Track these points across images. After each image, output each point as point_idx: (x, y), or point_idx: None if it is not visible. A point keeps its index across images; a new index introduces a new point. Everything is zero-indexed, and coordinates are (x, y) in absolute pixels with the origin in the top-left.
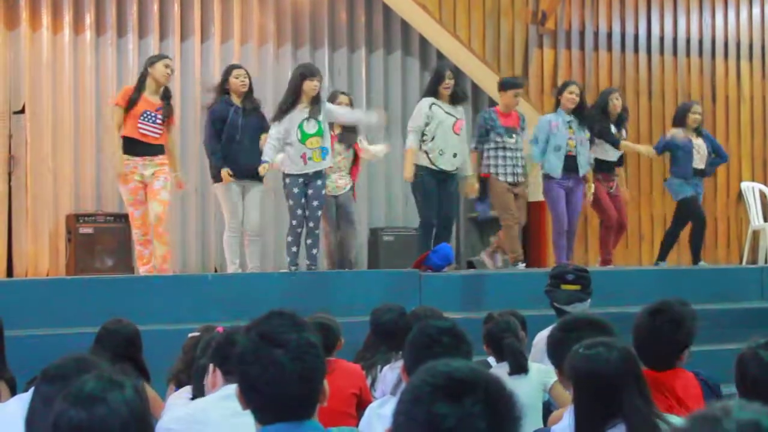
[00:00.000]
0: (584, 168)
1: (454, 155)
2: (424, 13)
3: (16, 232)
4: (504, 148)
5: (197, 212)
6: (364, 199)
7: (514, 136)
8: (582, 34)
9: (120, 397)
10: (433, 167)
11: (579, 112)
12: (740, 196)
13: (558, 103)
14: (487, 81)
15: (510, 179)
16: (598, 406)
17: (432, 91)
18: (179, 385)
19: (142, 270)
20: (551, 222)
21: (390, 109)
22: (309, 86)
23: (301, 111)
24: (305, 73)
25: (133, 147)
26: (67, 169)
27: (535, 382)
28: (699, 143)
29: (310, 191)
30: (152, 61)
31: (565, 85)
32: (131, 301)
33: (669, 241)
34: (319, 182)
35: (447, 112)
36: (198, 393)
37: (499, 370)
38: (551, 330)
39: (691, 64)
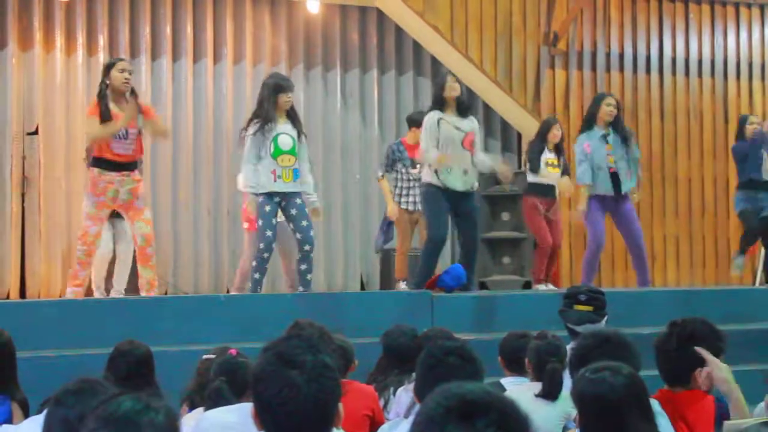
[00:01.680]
0: (626, 185)
1: (465, 172)
2: (435, 34)
3: (29, 253)
4: (409, 179)
5: (210, 234)
6: (377, 220)
7: (417, 167)
8: (594, 54)
9: (152, 422)
10: (440, 185)
11: (616, 124)
12: None
13: (592, 119)
14: (499, 102)
15: (411, 207)
16: (603, 430)
17: (437, 101)
18: (192, 407)
19: (69, 291)
20: (587, 242)
21: (401, 130)
22: (283, 100)
23: (278, 125)
24: (282, 86)
25: (105, 163)
26: (80, 190)
27: (560, 409)
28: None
29: (293, 211)
30: (107, 69)
31: (601, 97)
32: (144, 322)
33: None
34: (298, 200)
35: (455, 127)
36: None
37: (528, 388)
38: (572, 348)
39: (703, 84)
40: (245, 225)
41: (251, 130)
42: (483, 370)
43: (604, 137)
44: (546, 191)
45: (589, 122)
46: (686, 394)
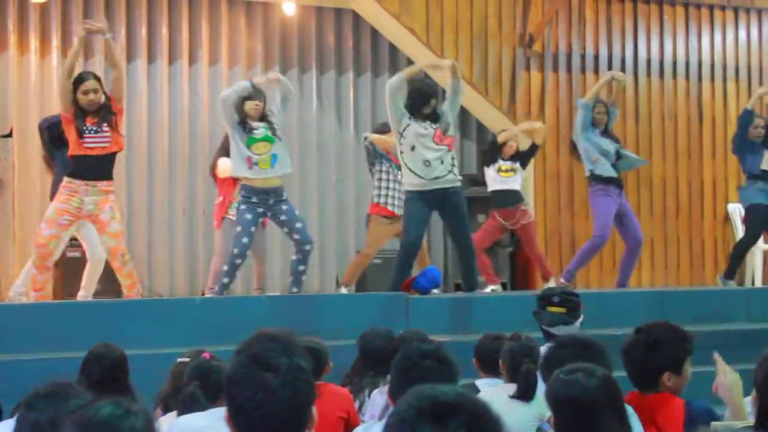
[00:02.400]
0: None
1: (441, 162)
2: (411, 36)
3: (2, 256)
4: (395, 180)
5: (185, 235)
6: (353, 222)
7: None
8: (569, 56)
9: (132, 427)
10: (422, 181)
11: (606, 129)
12: (727, 217)
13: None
14: (475, 104)
15: (393, 209)
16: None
17: (412, 109)
18: (166, 410)
19: (32, 296)
20: (593, 232)
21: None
22: (249, 106)
23: (247, 129)
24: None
25: (80, 167)
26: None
27: (534, 409)
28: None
29: (282, 217)
30: (73, 90)
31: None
32: (118, 325)
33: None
34: (284, 206)
35: (423, 127)
36: None
37: (502, 390)
38: (546, 350)
39: (678, 86)
40: (214, 223)
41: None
42: (458, 373)
43: (605, 133)
44: (504, 201)
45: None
46: (655, 397)
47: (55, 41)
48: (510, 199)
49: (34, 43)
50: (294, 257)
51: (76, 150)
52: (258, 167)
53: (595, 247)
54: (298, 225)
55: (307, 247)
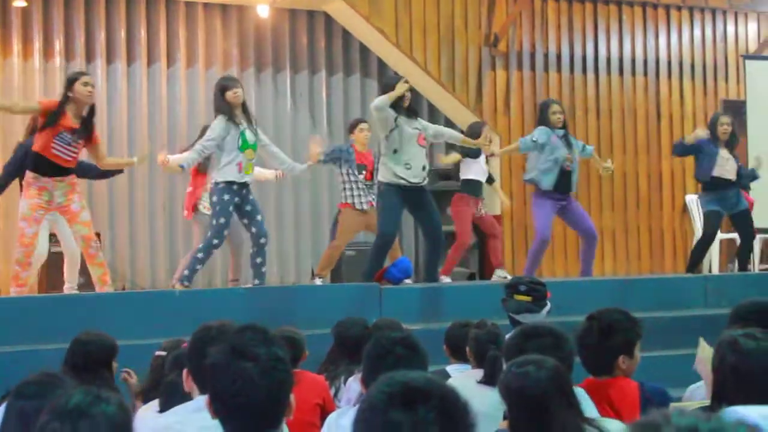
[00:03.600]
0: (574, 186)
1: (423, 168)
2: (381, 37)
3: None
4: (356, 182)
5: (165, 232)
6: (327, 216)
7: (363, 172)
8: (533, 55)
9: (104, 413)
10: (401, 181)
11: (566, 129)
12: (685, 208)
13: (543, 122)
14: (443, 101)
15: (365, 207)
16: (530, 423)
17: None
18: (145, 402)
19: (12, 291)
20: (534, 235)
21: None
22: (231, 96)
23: (240, 120)
24: (225, 85)
25: (43, 166)
26: None
27: None
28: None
29: (248, 207)
30: (70, 82)
31: (546, 105)
32: (100, 317)
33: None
34: (251, 197)
35: (410, 127)
36: (166, 408)
37: (470, 375)
38: (508, 338)
39: (637, 83)
40: (185, 213)
41: (217, 124)
42: (428, 360)
43: (565, 137)
44: (474, 189)
45: (540, 125)
46: (610, 381)
47: (37, 44)
48: (481, 189)
49: (16, 46)
50: (251, 250)
51: (44, 151)
52: (243, 173)
53: (537, 247)
54: (259, 218)
55: (262, 240)
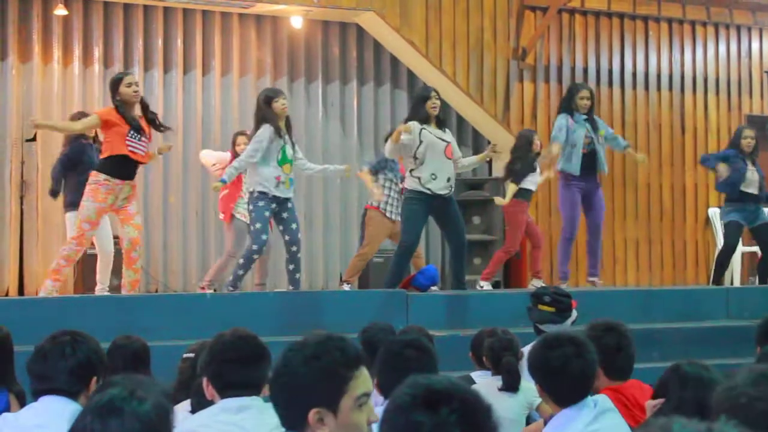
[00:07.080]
0: (603, 166)
1: (448, 179)
2: (411, 49)
3: (27, 253)
4: (397, 192)
5: (198, 236)
6: (356, 223)
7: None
8: (560, 69)
9: (135, 411)
10: (426, 191)
11: (591, 114)
12: (707, 221)
13: (568, 108)
14: (471, 113)
15: (394, 216)
16: None
17: (418, 112)
18: (175, 403)
19: (49, 284)
20: (562, 227)
21: (379, 138)
22: (278, 106)
23: (283, 133)
24: (273, 95)
25: (118, 168)
26: None
27: (522, 399)
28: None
29: (284, 215)
30: (115, 86)
31: (577, 88)
32: (134, 318)
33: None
34: (290, 205)
35: (438, 137)
36: (198, 408)
37: (491, 383)
38: (531, 347)
39: (662, 97)
40: (221, 216)
41: (266, 132)
42: (437, 360)
43: (586, 121)
44: (530, 198)
45: (568, 109)
46: (632, 383)
47: (77, 51)
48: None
49: (57, 53)
50: (285, 256)
51: (119, 151)
52: (283, 186)
53: (566, 240)
54: (294, 226)
55: (294, 248)
